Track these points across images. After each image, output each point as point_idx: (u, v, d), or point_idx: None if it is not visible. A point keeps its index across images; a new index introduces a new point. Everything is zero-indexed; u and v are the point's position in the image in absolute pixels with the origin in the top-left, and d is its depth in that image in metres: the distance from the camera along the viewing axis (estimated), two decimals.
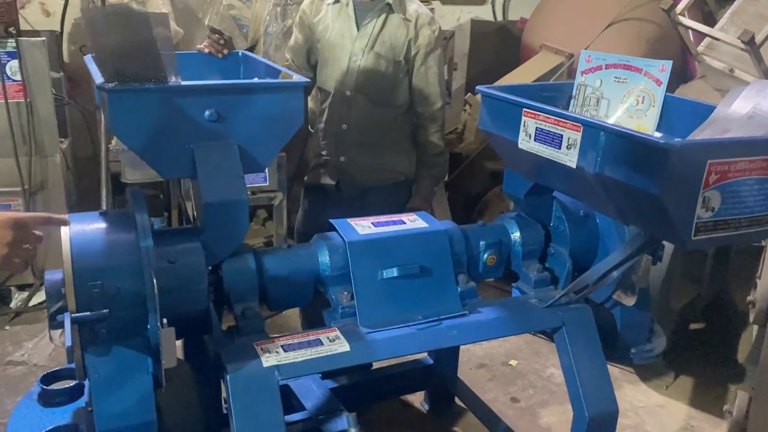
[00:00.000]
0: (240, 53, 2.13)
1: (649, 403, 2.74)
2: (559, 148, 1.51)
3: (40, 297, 3.30)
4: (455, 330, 1.71)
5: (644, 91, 1.79)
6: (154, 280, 1.34)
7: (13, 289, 3.35)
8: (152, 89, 1.45)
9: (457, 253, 1.83)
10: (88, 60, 1.63)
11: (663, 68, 1.77)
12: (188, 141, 1.52)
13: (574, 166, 1.48)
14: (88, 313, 1.32)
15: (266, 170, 3.09)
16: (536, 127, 1.58)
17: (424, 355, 2.63)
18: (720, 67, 2.89)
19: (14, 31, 2.98)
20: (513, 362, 3.01)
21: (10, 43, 2.98)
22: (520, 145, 1.64)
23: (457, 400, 2.57)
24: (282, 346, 1.55)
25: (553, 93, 1.87)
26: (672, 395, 2.78)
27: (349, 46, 2.35)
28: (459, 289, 1.79)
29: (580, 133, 1.46)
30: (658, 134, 1.81)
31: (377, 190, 2.49)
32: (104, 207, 3.13)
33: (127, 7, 1.46)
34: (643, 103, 1.80)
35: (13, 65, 3.03)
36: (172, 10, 3.31)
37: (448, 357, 2.55)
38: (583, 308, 1.86)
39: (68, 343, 1.24)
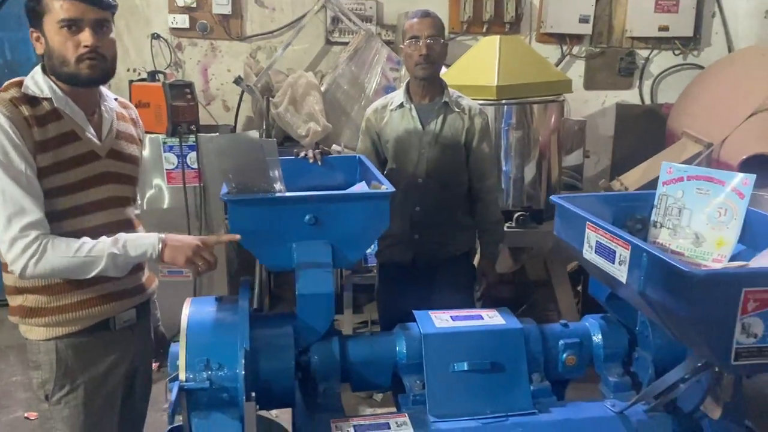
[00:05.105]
0: (358, 157, 2.44)
1: None
2: (614, 263, 1.59)
3: None
4: (520, 428, 1.78)
5: (726, 203, 1.79)
6: (243, 361, 1.61)
7: None
8: (261, 199, 1.78)
9: (532, 352, 1.91)
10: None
11: (746, 182, 1.77)
12: (290, 240, 1.82)
13: (624, 282, 1.54)
14: (192, 383, 1.63)
15: None
16: (596, 241, 1.67)
17: None
18: None
19: (195, 129, 3.61)
20: None
21: (191, 138, 3.60)
22: (584, 255, 1.73)
23: None
24: (354, 426, 1.74)
25: (633, 203, 1.93)
26: None
27: (417, 143, 2.68)
28: (532, 387, 1.87)
29: (629, 252, 1.53)
30: (743, 247, 1.79)
31: (446, 262, 2.76)
32: (257, 276, 3.58)
33: (244, 136, 1.83)
34: (725, 215, 1.80)
35: (192, 156, 3.65)
36: (324, 108, 3.77)
37: None
38: (662, 417, 1.84)
39: (168, 407, 1.55)
